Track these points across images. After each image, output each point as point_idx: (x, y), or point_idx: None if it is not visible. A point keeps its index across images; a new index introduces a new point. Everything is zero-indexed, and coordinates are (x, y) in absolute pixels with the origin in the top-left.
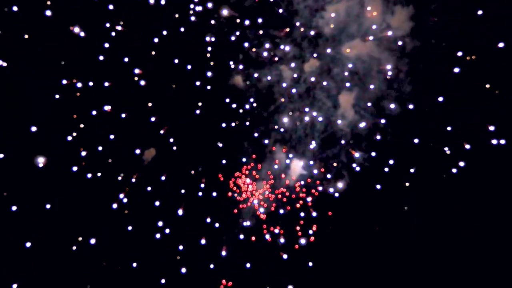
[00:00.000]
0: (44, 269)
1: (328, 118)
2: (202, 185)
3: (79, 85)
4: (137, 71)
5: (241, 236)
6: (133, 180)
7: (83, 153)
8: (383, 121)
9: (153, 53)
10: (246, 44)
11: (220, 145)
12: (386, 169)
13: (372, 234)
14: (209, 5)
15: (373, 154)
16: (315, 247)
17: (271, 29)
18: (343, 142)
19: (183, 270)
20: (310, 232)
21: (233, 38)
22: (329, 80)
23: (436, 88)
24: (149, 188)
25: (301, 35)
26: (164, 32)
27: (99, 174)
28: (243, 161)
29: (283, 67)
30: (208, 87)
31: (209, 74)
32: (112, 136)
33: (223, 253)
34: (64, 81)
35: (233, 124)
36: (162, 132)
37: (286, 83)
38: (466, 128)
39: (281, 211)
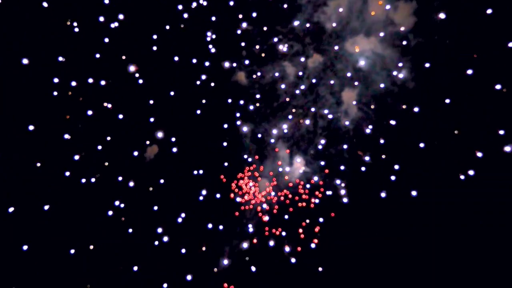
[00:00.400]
0: (41, 273)
1: (332, 116)
2: (204, 187)
3: (74, 83)
4: (135, 69)
5: (244, 239)
6: (131, 184)
7: (79, 156)
8: (385, 122)
9: (152, 50)
10: (249, 40)
11: (221, 145)
12: (393, 178)
13: (376, 237)
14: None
15: (376, 157)
16: (320, 250)
17: (274, 24)
18: (347, 141)
19: (184, 273)
20: (314, 234)
21: (234, 34)
22: (332, 77)
23: (442, 89)
24: (147, 193)
25: (304, 31)
26: (163, 28)
27: (93, 180)
28: (246, 162)
29: (286, 63)
30: (209, 85)
31: (210, 71)
32: (108, 138)
33: (225, 255)
34: (56, 80)
35: (234, 124)
36: (160, 135)
37: (289, 80)
38: (475, 133)
39: (285, 213)
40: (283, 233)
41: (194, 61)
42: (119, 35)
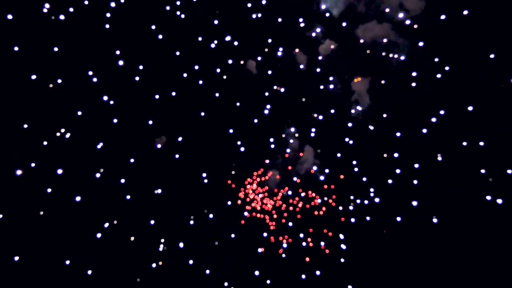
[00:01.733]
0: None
1: (347, 114)
2: (211, 193)
3: (59, 81)
4: (136, 67)
5: (251, 246)
6: (132, 188)
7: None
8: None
9: (150, 45)
10: (258, 31)
11: (227, 149)
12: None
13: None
14: None
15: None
16: (327, 258)
17: (283, 14)
18: (366, 142)
19: (190, 282)
20: (323, 243)
21: (241, 25)
22: (344, 67)
23: (466, 93)
24: (148, 197)
25: (314, 18)
26: (163, 20)
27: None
28: (253, 167)
29: (297, 52)
30: (214, 82)
31: (215, 66)
32: (100, 145)
33: (232, 263)
34: (34, 77)
35: (240, 125)
36: (159, 146)
37: (301, 71)
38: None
39: (293, 220)
40: (290, 241)
41: (197, 56)
42: (115, 28)
